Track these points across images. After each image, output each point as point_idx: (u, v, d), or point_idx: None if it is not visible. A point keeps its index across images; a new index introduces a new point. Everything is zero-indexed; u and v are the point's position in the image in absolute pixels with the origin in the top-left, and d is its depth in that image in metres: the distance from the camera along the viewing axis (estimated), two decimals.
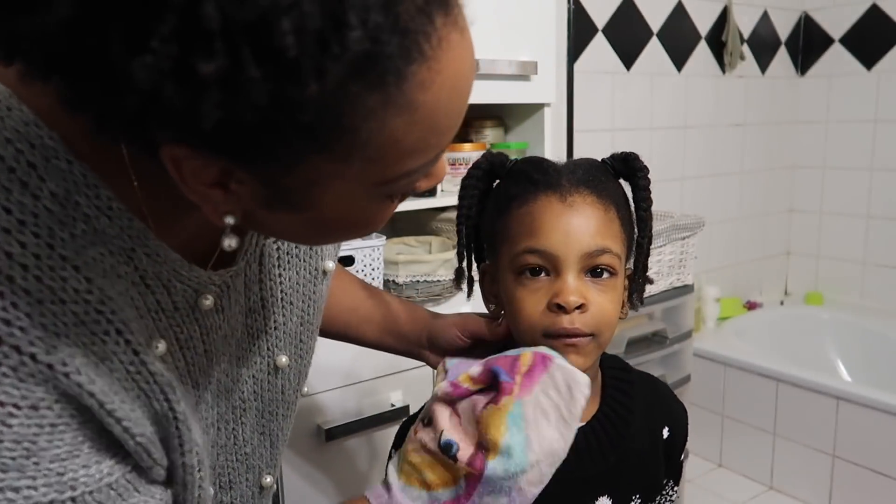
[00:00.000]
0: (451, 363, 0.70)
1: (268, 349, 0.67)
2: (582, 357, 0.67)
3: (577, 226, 0.67)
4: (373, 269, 1.43)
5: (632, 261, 0.75)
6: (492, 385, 0.63)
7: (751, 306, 2.87)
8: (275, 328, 0.67)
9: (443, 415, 0.63)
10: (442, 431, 0.62)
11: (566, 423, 0.61)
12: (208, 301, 0.56)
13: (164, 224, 0.50)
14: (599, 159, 0.75)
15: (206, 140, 0.37)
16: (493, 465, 0.59)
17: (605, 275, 0.68)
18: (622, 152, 0.73)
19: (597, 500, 0.72)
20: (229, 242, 0.45)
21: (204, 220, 0.49)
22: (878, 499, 2.10)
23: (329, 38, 0.33)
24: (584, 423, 0.73)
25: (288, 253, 0.66)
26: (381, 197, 0.46)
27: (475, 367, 0.64)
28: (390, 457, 0.73)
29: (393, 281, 1.48)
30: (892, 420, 2.04)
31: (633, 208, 0.73)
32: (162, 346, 0.51)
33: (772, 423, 2.35)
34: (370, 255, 1.45)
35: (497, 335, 0.76)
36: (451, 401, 0.65)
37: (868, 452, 2.11)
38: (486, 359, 0.65)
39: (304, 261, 0.68)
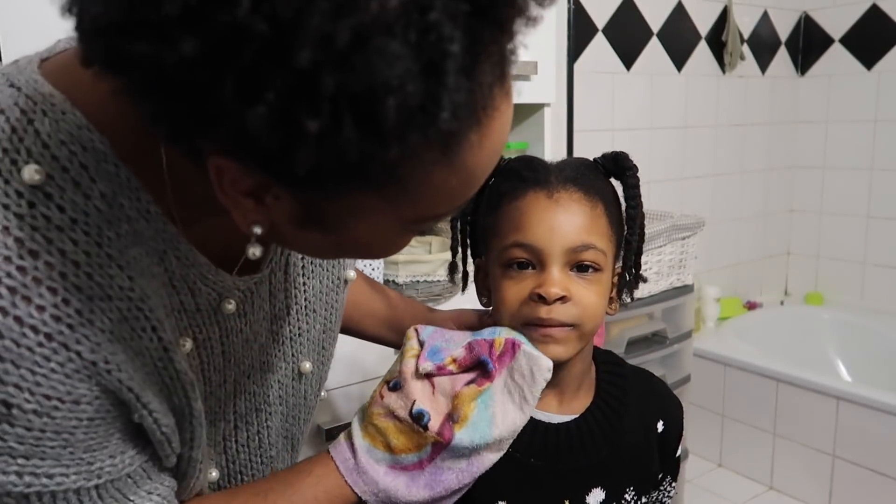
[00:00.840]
0: (426, 333, 0.70)
1: (292, 355, 0.69)
2: (562, 347, 0.68)
3: (563, 221, 0.68)
4: (373, 269, 1.43)
5: (622, 258, 0.76)
6: (473, 366, 0.67)
7: (751, 306, 2.87)
8: (299, 335, 0.69)
9: (416, 387, 0.66)
10: (414, 401, 0.65)
11: (527, 403, 0.66)
12: (231, 305, 0.58)
13: (191, 229, 0.52)
14: (591, 159, 0.76)
15: (258, 162, 0.39)
16: (461, 436, 0.64)
17: (590, 270, 0.69)
18: (612, 151, 0.75)
19: (590, 491, 0.72)
20: (253, 251, 0.47)
21: (232, 227, 0.52)
22: (878, 499, 2.10)
23: (422, 116, 0.36)
24: (577, 416, 0.74)
25: (312, 262, 0.68)
26: (405, 231, 0.49)
27: (459, 351, 0.67)
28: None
29: (393, 281, 1.48)
30: (892, 420, 2.04)
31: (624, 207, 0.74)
32: (189, 345, 0.55)
33: (772, 423, 2.35)
34: None
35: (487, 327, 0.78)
36: (431, 375, 0.67)
37: (868, 452, 2.11)
38: (468, 341, 0.68)
39: (328, 270, 0.70)
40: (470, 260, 0.81)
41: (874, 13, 2.66)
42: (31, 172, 0.43)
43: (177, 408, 0.54)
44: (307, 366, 0.71)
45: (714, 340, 2.53)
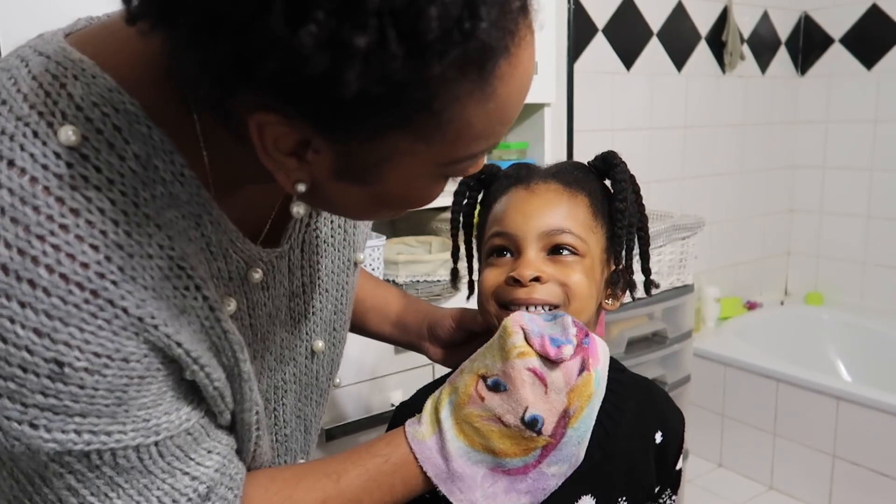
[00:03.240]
0: (526, 318, 0.63)
1: (306, 333, 0.70)
2: None
3: (537, 208, 0.71)
4: (373, 270, 1.43)
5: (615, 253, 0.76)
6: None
7: (751, 306, 2.87)
8: (312, 314, 0.70)
9: (525, 385, 0.60)
10: (527, 408, 0.59)
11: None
12: (258, 274, 0.59)
13: (222, 197, 0.53)
14: (586, 162, 0.79)
15: (305, 108, 0.40)
16: (570, 434, 0.61)
17: (566, 252, 0.70)
18: (603, 152, 0.77)
19: (579, 498, 0.71)
20: (297, 209, 0.49)
21: (256, 197, 0.55)
22: (878, 499, 2.10)
23: (462, 28, 0.38)
24: None
25: (325, 242, 0.69)
26: (438, 177, 0.50)
27: (573, 329, 0.62)
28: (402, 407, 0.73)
29: (393, 281, 1.48)
30: (892, 420, 2.04)
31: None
32: (233, 306, 0.55)
33: (772, 423, 2.35)
34: (370, 255, 1.45)
35: (483, 326, 0.79)
36: (538, 367, 0.60)
37: (868, 452, 2.11)
38: (569, 320, 0.63)
39: (339, 251, 0.71)
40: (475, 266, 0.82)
41: (874, 13, 2.66)
42: (66, 133, 0.44)
43: (226, 367, 0.54)
44: (320, 344, 0.71)
45: (714, 340, 2.53)
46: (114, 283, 0.45)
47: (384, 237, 1.51)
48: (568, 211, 0.71)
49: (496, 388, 0.61)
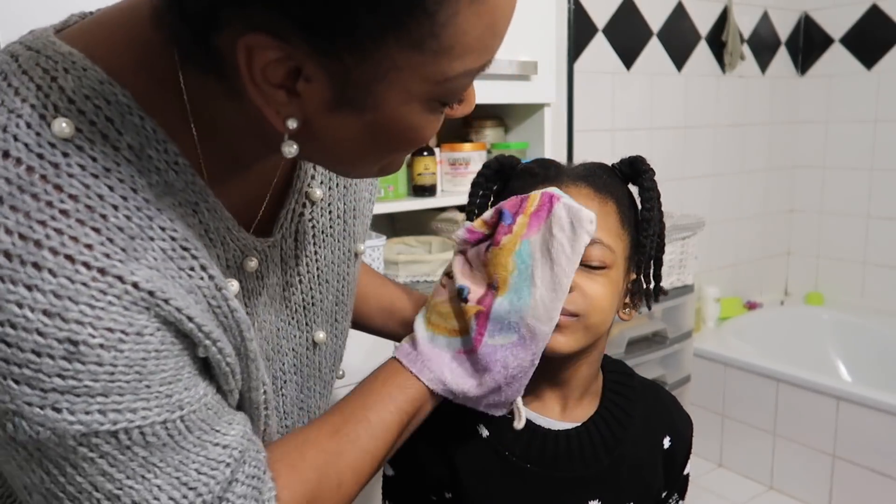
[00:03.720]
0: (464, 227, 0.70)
1: (306, 324, 0.70)
2: (564, 337, 0.66)
3: None
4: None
5: (636, 262, 0.74)
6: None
7: (751, 306, 2.87)
8: (312, 304, 0.69)
9: (457, 264, 0.67)
10: (455, 278, 0.65)
11: (568, 259, 0.62)
12: (253, 263, 0.59)
13: (215, 185, 0.52)
14: (610, 164, 0.75)
15: (295, 20, 0.40)
16: (500, 301, 0.62)
17: (596, 265, 0.67)
18: (630, 156, 0.74)
19: (587, 503, 0.71)
20: (289, 149, 0.48)
21: (248, 188, 0.55)
22: (878, 499, 2.10)
23: None
24: (579, 424, 0.73)
25: (323, 232, 0.68)
26: (433, 105, 0.49)
27: (487, 212, 0.67)
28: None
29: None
30: (892, 420, 2.04)
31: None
32: (235, 286, 0.56)
33: (772, 423, 2.35)
34: (370, 254, 1.45)
35: None
36: (464, 249, 0.68)
37: (868, 452, 2.11)
38: (499, 203, 0.67)
39: (339, 241, 0.71)
40: None
41: (874, 13, 2.66)
42: (60, 125, 0.44)
43: (234, 346, 0.54)
44: (321, 335, 0.71)
45: (714, 340, 2.53)
46: (120, 261, 0.45)
47: (384, 237, 1.51)
48: (599, 219, 0.66)
49: (449, 276, 0.68)
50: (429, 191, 1.65)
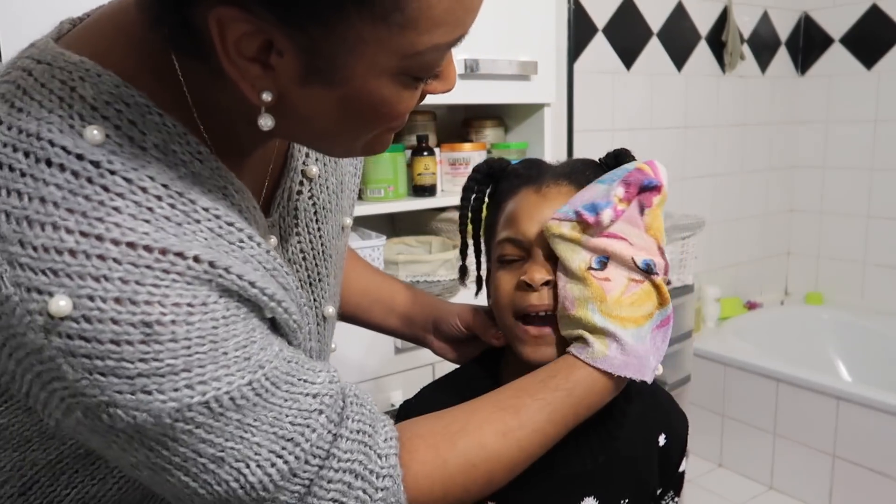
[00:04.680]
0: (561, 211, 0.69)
1: (315, 300, 0.70)
2: (552, 349, 0.69)
3: (548, 213, 0.69)
4: None
5: None
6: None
7: (751, 306, 2.88)
8: (319, 280, 0.70)
9: (613, 244, 0.66)
10: (632, 258, 0.65)
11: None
12: (273, 240, 0.61)
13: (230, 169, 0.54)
14: (597, 159, 0.77)
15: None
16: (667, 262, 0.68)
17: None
18: (615, 149, 0.76)
19: (582, 500, 0.71)
20: (265, 122, 0.49)
21: (251, 171, 0.56)
22: (878, 499, 2.10)
23: None
24: None
25: (324, 208, 0.69)
26: (405, 80, 0.49)
27: (618, 190, 0.66)
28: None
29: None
30: (892, 420, 2.04)
31: None
32: (274, 240, 0.59)
33: (772, 423, 2.35)
34: (370, 254, 1.45)
35: (490, 340, 0.78)
36: (603, 229, 0.67)
37: (868, 452, 2.11)
38: (621, 179, 0.67)
39: (334, 216, 0.71)
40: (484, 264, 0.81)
41: (874, 13, 2.66)
42: (92, 133, 0.46)
43: (296, 303, 0.56)
44: (331, 310, 0.72)
45: (714, 340, 2.53)
46: (176, 237, 0.47)
47: (384, 237, 1.51)
48: None
49: (602, 266, 0.66)
50: (429, 191, 1.65)
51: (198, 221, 0.49)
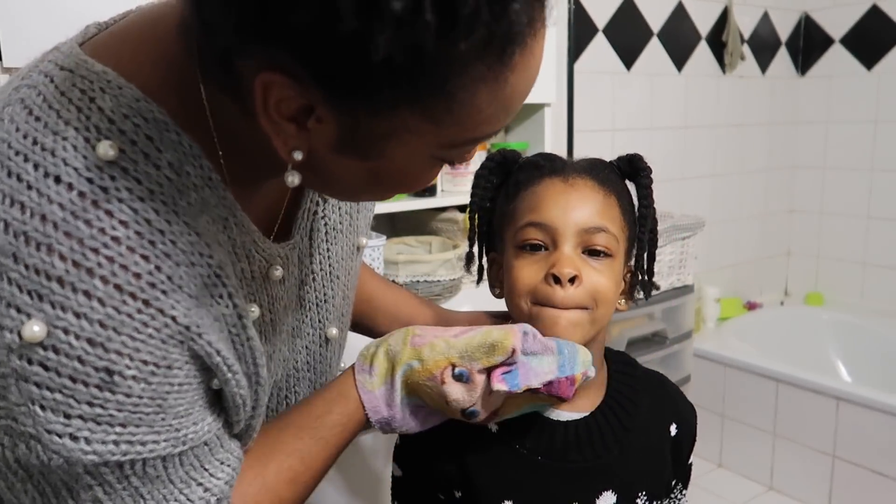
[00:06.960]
0: (523, 341, 0.66)
1: (319, 321, 0.70)
2: (572, 327, 0.68)
3: (577, 201, 0.69)
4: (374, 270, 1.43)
5: (634, 256, 0.76)
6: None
7: (751, 306, 2.87)
8: (324, 301, 0.70)
9: (477, 389, 0.65)
10: (473, 406, 0.64)
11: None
12: (278, 272, 0.60)
13: (238, 196, 0.53)
14: (609, 160, 0.77)
15: (323, 70, 0.40)
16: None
17: (602, 255, 0.69)
18: (629, 154, 0.76)
19: (600, 494, 0.71)
20: (292, 179, 0.48)
21: (269, 194, 0.55)
22: (878, 499, 2.10)
23: (494, 6, 0.38)
24: (587, 413, 0.73)
25: (334, 228, 0.69)
26: (437, 160, 0.50)
27: (541, 377, 0.64)
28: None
29: (392, 281, 1.48)
30: (892, 420, 2.04)
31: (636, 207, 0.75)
32: (256, 311, 0.56)
33: (772, 423, 2.35)
34: (370, 255, 1.45)
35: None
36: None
37: (868, 452, 2.11)
38: (548, 380, 0.64)
39: (346, 236, 0.71)
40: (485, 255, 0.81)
41: (874, 13, 2.66)
42: (105, 149, 0.45)
43: (246, 375, 0.55)
44: (334, 332, 0.71)
45: (714, 341, 2.53)
46: (164, 292, 0.45)
47: (384, 237, 1.51)
48: (604, 209, 0.70)
49: (460, 378, 0.64)
50: (429, 191, 1.65)
51: (193, 265, 0.47)
